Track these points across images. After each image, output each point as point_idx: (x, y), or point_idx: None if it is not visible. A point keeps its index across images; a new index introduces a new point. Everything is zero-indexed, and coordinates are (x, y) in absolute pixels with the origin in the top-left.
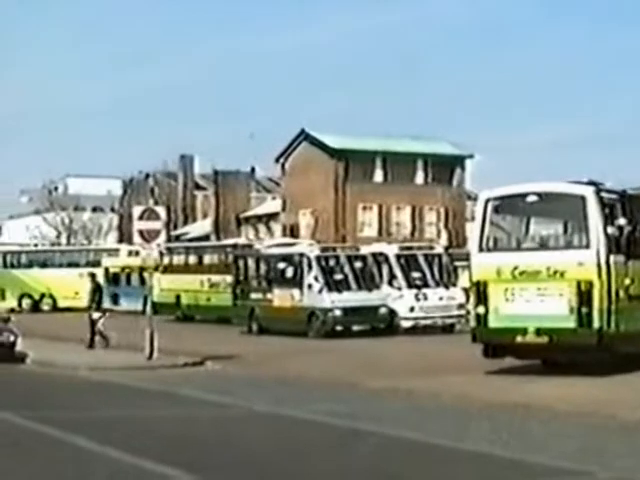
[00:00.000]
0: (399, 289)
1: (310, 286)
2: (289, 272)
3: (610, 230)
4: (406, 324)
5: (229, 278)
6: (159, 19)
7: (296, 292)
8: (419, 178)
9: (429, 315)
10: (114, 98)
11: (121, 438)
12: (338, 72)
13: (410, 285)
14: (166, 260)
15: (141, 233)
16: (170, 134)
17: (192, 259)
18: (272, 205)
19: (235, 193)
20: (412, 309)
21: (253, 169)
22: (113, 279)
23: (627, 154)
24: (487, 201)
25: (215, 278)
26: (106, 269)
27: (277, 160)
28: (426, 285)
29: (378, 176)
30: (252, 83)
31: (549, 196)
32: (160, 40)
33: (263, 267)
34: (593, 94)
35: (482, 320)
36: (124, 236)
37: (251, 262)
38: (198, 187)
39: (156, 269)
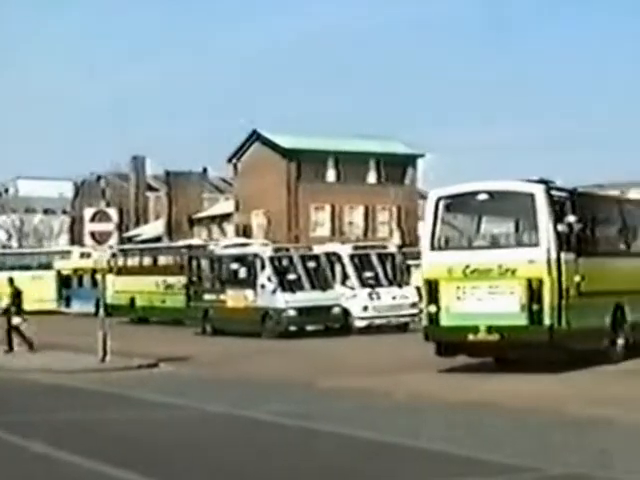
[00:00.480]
0: (352, 289)
1: (263, 286)
2: (242, 273)
3: (560, 228)
4: (360, 323)
5: (184, 279)
6: (108, 20)
7: (249, 293)
8: (371, 177)
9: (383, 314)
10: (68, 100)
11: (75, 441)
12: (290, 73)
13: (363, 284)
14: (120, 262)
15: (93, 235)
16: (121, 135)
17: (146, 261)
18: (225, 206)
19: (187, 194)
20: (366, 308)
21: (205, 170)
22: (65, 282)
23: (580, 155)
24: (438, 200)
25: (170, 280)
26: (58, 272)
27: (229, 161)
28: (379, 284)
29: (330, 176)
30: (204, 84)
31: (500, 194)
32: (112, 43)
33: (216, 268)
34: (545, 96)
35: (434, 319)
36: (76, 238)
37: (204, 263)
38: (150, 188)
39: (110, 271)
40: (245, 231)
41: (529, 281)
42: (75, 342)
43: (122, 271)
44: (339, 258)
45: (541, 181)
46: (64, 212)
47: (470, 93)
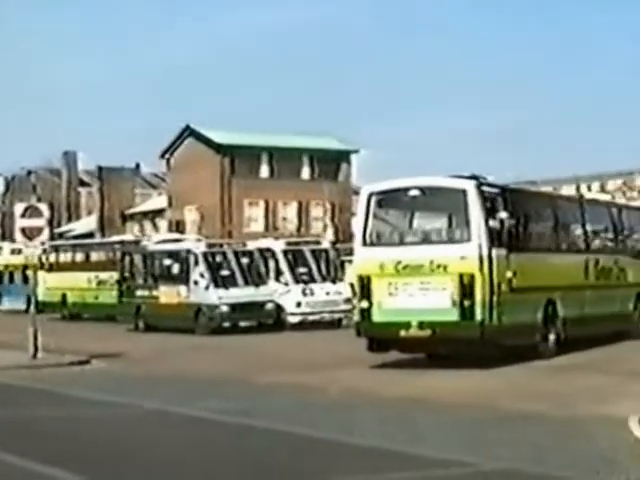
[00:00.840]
0: (286, 284)
1: (196, 282)
2: (175, 268)
3: (492, 223)
4: (293, 319)
5: (116, 275)
6: (44, 12)
7: (182, 289)
8: (305, 173)
9: (316, 310)
10: None
11: (6, 439)
12: (224, 68)
13: (297, 280)
14: (52, 258)
15: (23, 231)
16: (53, 130)
17: (79, 257)
18: (157, 201)
19: (120, 189)
20: (299, 304)
21: (138, 165)
22: None
23: (515, 151)
24: (370, 195)
25: (102, 275)
26: None
27: (162, 156)
28: (313, 280)
29: (264, 172)
30: (136, 78)
31: (431, 190)
32: (47, 36)
33: (149, 264)
34: (483, 93)
35: (366, 314)
36: (6, 234)
37: (137, 259)
38: (82, 184)
39: (41, 267)
40: (178, 227)
41: (460, 277)
42: (6, 339)
43: (54, 267)
44: (273, 254)
45: (472, 177)
46: None
47: (405, 89)
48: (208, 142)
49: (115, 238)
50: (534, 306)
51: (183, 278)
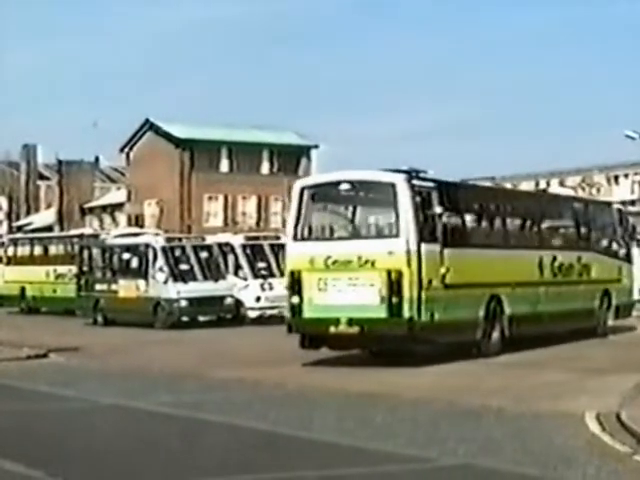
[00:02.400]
0: (245, 279)
1: (155, 277)
2: (134, 262)
3: (423, 218)
4: (252, 314)
5: (75, 269)
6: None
7: (141, 283)
8: (265, 168)
9: (275, 305)
10: None
11: None
12: (184, 61)
13: (256, 275)
14: (10, 251)
15: None
16: (12, 123)
17: (37, 250)
18: (117, 195)
19: (79, 183)
20: (258, 299)
21: (97, 159)
22: None
23: (479, 146)
24: (302, 189)
25: (61, 269)
26: None
27: (122, 150)
28: (272, 275)
29: (224, 166)
30: (96, 70)
31: (361, 184)
32: (4, 25)
33: (108, 258)
34: (446, 86)
35: (297, 310)
36: None
37: (96, 252)
38: (41, 177)
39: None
40: (137, 221)
41: (388, 273)
42: None
43: (12, 261)
44: (232, 248)
45: (404, 171)
46: None
47: (363, 83)
48: (168, 136)
49: (74, 232)
50: (474, 302)
51: (142, 272)
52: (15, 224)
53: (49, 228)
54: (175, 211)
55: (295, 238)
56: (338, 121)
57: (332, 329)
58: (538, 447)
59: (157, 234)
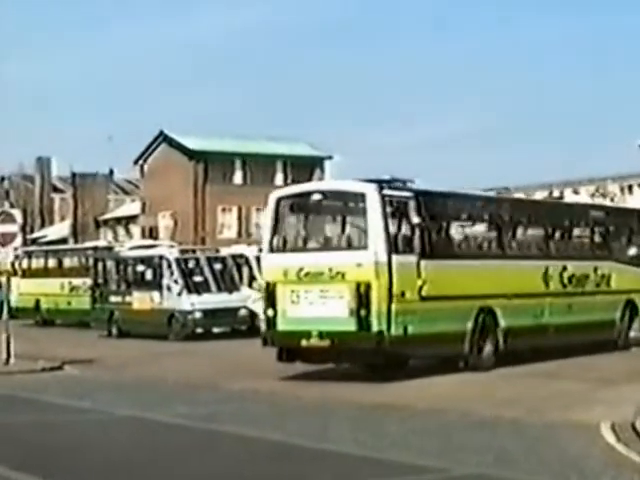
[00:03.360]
0: (259, 291)
1: (170, 288)
2: (148, 274)
3: (397, 229)
4: None
5: (89, 281)
6: (13, 14)
7: (156, 295)
8: (278, 179)
9: None
10: None
11: None
12: (197, 73)
13: None
14: (25, 264)
15: None
16: (26, 135)
17: (52, 262)
18: (131, 207)
19: (93, 195)
20: None
21: (111, 171)
22: None
23: (497, 154)
24: (278, 200)
25: (75, 281)
26: None
27: (136, 162)
28: None
29: (237, 178)
30: (110, 83)
31: (333, 194)
32: (15, 36)
33: (122, 270)
34: (460, 94)
35: (272, 323)
36: None
37: (110, 265)
38: (56, 190)
39: (14, 273)
40: (151, 233)
41: (358, 285)
42: None
43: (27, 273)
44: (246, 260)
45: (376, 180)
46: None
47: (376, 94)
48: (182, 148)
49: (88, 244)
50: (460, 315)
51: (156, 284)
52: (29, 237)
53: (63, 241)
54: (189, 223)
55: (271, 249)
56: (352, 132)
57: (304, 342)
58: (552, 457)
59: (171, 246)
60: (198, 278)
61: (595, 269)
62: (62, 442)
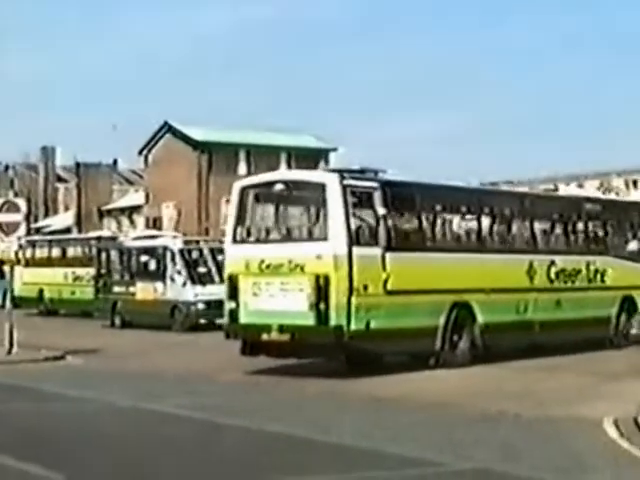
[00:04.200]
0: None
1: (173, 279)
2: (152, 265)
3: (357, 221)
4: None
5: (93, 271)
6: (15, 4)
7: (159, 285)
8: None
9: None
10: None
11: None
12: (202, 64)
13: None
14: (28, 253)
15: (0, 226)
16: (31, 125)
17: (55, 252)
18: (135, 198)
19: (97, 185)
20: None
21: (115, 161)
22: None
23: (502, 148)
24: (242, 190)
25: (79, 271)
26: None
27: (140, 152)
28: None
29: (242, 169)
30: (115, 73)
31: (295, 184)
32: (21, 27)
33: (126, 260)
34: (468, 88)
35: (234, 316)
36: None
37: (114, 255)
38: (60, 179)
39: (18, 262)
40: (155, 223)
41: (317, 278)
42: None
43: (30, 262)
44: None
45: (338, 170)
46: None
47: (379, 86)
48: (186, 139)
49: (92, 234)
50: (430, 310)
51: (160, 275)
52: (33, 226)
53: (67, 230)
54: (193, 214)
55: (234, 240)
56: (358, 123)
57: (265, 336)
58: (555, 452)
59: (175, 237)
60: (202, 269)
61: (588, 264)
62: (64, 432)
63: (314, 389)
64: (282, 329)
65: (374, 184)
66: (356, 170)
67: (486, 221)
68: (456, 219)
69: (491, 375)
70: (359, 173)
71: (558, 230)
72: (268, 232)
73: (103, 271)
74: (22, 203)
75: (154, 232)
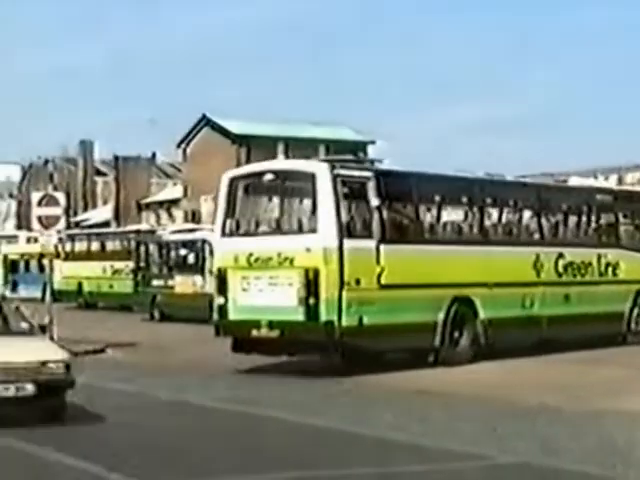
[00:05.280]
0: None
1: (212, 272)
2: (190, 258)
3: (349, 212)
4: None
5: (132, 265)
6: (59, 4)
7: (198, 278)
8: None
9: None
10: (13, 82)
11: (24, 431)
12: (241, 57)
13: None
14: (67, 247)
15: (40, 219)
16: (70, 119)
17: (94, 246)
18: (173, 191)
19: (136, 179)
20: None
21: (154, 155)
22: (12, 266)
23: (537, 139)
24: (231, 181)
25: (117, 265)
26: (5, 256)
27: (178, 146)
28: None
29: None
30: (154, 67)
31: (284, 175)
32: (60, 22)
33: (164, 253)
34: (505, 79)
35: (223, 312)
36: (23, 222)
37: (152, 248)
38: (98, 173)
39: (57, 256)
40: (194, 217)
41: (306, 272)
42: None
43: (69, 256)
44: None
45: (329, 160)
46: (11, 196)
47: (419, 79)
48: (224, 132)
49: (131, 227)
50: (429, 305)
51: (198, 268)
52: (73, 220)
53: (106, 224)
54: None
55: (223, 233)
56: (396, 116)
57: (254, 332)
58: (597, 446)
59: (214, 230)
60: None
61: (599, 257)
62: (108, 425)
63: (354, 382)
64: (271, 325)
65: (367, 174)
66: (349, 159)
67: (489, 212)
68: (456, 210)
69: (530, 367)
70: (352, 162)
71: (567, 222)
72: (257, 224)
73: (142, 265)
74: (61, 197)
75: (192, 225)
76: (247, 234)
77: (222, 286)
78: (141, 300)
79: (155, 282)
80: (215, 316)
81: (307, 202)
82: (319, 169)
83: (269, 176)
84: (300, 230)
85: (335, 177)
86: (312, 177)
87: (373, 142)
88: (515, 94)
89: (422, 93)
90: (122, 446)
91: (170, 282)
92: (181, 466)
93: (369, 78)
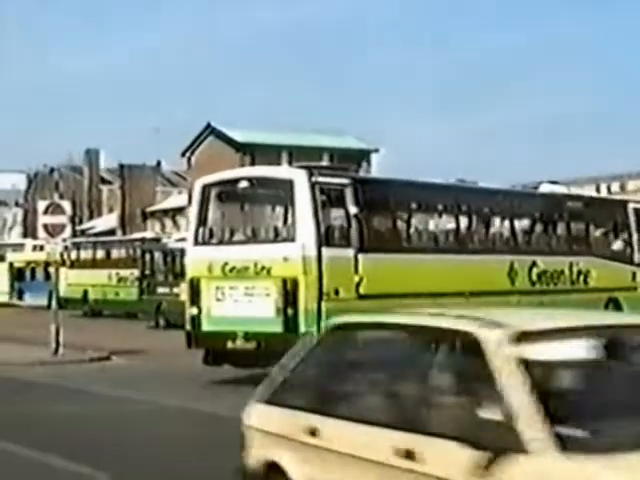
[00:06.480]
0: None
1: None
2: None
3: (327, 220)
4: None
5: (137, 272)
6: (65, 12)
7: None
8: None
9: None
10: (19, 91)
11: (26, 435)
12: (245, 66)
13: None
14: (73, 255)
15: (46, 227)
16: (75, 128)
17: (100, 254)
18: (178, 199)
19: (141, 187)
20: None
21: (159, 163)
22: (18, 274)
23: (547, 148)
24: (204, 188)
25: (123, 272)
26: (11, 264)
27: (183, 154)
28: None
29: None
30: (159, 76)
31: (260, 181)
32: (64, 33)
33: (170, 261)
34: (501, 89)
35: (196, 322)
36: (29, 231)
37: (158, 256)
38: (104, 181)
39: (63, 264)
40: None
41: (284, 282)
42: (28, 335)
43: (75, 264)
44: None
45: (305, 166)
46: (17, 204)
47: (421, 88)
48: (229, 140)
49: (136, 235)
50: None
51: None
52: (78, 228)
53: (111, 232)
54: None
55: (196, 242)
56: (400, 125)
57: (230, 344)
58: None
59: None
60: None
61: (571, 265)
62: (110, 432)
63: None
64: (247, 337)
65: (345, 181)
66: (326, 166)
67: (464, 220)
68: (433, 218)
69: None
70: (329, 169)
71: (539, 229)
72: (232, 233)
73: (147, 272)
74: (67, 205)
75: None
76: (221, 243)
77: (195, 296)
78: (146, 308)
79: (160, 290)
80: (187, 327)
81: (284, 210)
82: (297, 176)
83: (244, 183)
84: (277, 239)
85: (313, 184)
86: (290, 184)
87: (377, 150)
88: (516, 102)
89: (426, 101)
90: (119, 452)
91: (175, 290)
92: (178, 475)
93: (373, 87)
